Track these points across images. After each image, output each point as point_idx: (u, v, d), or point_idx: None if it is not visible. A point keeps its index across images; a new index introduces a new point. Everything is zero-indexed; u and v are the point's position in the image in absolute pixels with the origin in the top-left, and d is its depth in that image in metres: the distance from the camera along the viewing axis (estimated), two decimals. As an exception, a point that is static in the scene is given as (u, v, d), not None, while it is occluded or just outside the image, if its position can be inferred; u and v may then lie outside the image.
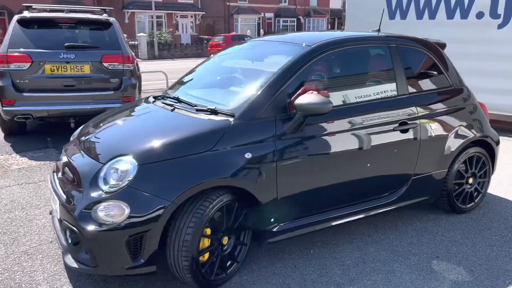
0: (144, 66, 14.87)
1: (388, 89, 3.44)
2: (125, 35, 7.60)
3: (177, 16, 34.11)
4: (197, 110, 3.00)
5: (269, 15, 41.16)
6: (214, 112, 2.92)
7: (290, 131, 2.89)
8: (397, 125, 3.37)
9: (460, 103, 3.84)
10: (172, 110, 3.12)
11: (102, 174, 2.62)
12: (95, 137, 3.11)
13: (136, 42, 27.37)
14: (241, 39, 30.03)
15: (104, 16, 6.89)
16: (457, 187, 3.87)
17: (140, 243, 2.52)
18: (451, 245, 3.41)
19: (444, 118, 3.67)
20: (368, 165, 3.28)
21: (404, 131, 3.41)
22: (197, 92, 3.50)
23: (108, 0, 33.05)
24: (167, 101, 3.34)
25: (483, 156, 3.96)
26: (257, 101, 2.89)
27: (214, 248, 2.72)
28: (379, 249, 3.33)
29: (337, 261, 3.15)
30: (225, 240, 2.79)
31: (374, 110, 3.30)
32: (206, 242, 2.68)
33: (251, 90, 3.02)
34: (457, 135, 3.73)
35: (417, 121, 3.48)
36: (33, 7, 6.85)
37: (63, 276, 2.92)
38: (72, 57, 6.12)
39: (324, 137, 3.05)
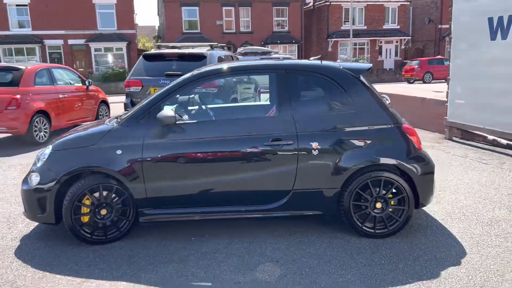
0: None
1: (266, 110, 3.91)
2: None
3: (380, 42, 34.43)
4: (117, 120, 4.22)
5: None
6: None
7: (156, 137, 3.82)
8: (268, 142, 3.80)
9: (365, 126, 3.88)
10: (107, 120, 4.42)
11: (41, 156, 4.12)
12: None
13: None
14: (439, 63, 28.20)
15: (205, 50, 8.63)
16: (361, 208, 3.90)
17: (44, 202, 3.89)
18: (303, 256, 3.63)
19: (335, 139, 3.84)
20: (233, 173, 3.84)
21: (276, 147, 3.80)
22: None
23: (316, 30, 36.03)
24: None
25: (395, 182, 3.86)
26: (135, 112, 3.94)
27: (92, 215, 3.87)
28: (241, 247, 3.82)
29: (195, 248, 3.84)
30: (103, 211, 3.89)
31: (244, 126, 3.86)
32: (85, 209, 3.86)
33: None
34: (350, 156, 3.82)
35: (295, 140, 3.80)
36: (162, 45, 9.16)
37: (37, 222, 4.52)
38: (167, 82, 7.93)
39: (186, 146, 3.83)
